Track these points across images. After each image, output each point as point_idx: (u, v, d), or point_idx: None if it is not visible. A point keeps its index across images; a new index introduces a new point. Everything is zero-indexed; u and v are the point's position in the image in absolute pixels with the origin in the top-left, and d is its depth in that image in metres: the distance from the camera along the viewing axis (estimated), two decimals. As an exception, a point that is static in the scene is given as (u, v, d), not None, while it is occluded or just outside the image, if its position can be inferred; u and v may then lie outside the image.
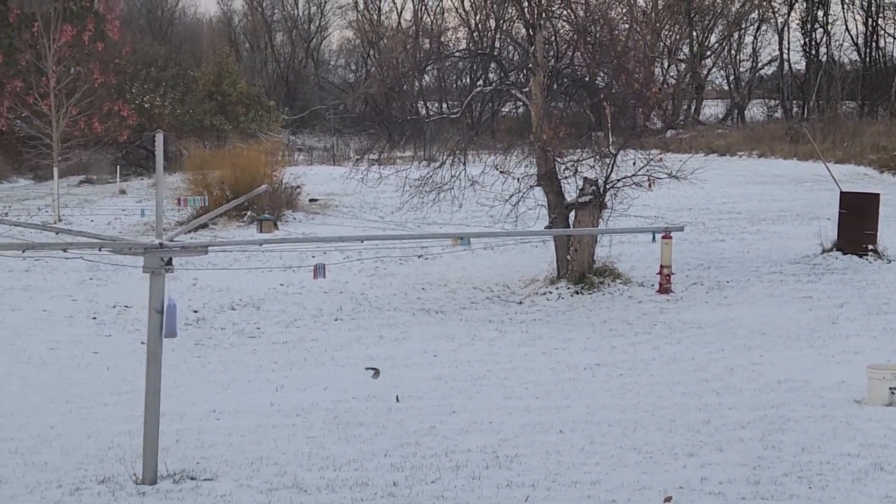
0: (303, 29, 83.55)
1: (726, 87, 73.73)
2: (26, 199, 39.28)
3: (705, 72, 71.38)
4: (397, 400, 13.87)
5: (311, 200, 35.42)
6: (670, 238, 21.67)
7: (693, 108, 69.40)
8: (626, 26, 25.48)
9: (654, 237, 11.05)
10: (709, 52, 71.56)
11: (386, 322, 20.74)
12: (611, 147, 23.62)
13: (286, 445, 11.47)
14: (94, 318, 21.31)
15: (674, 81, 58.81)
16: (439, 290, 23.76)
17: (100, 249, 10.72)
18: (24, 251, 10.46)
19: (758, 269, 23.53)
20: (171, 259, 9.88)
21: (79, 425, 13.02)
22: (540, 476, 9.73)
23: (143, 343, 14.29)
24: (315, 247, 25.09)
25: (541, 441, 11.23)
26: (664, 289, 21.88)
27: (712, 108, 73.77)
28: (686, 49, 68.66)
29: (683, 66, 66.87)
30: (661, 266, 22.06)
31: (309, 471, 10.23)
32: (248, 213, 31.42)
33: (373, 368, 14.64)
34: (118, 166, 46.99)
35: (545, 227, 23.32)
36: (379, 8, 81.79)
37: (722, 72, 73.96)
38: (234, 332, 20.23)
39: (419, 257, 26.37)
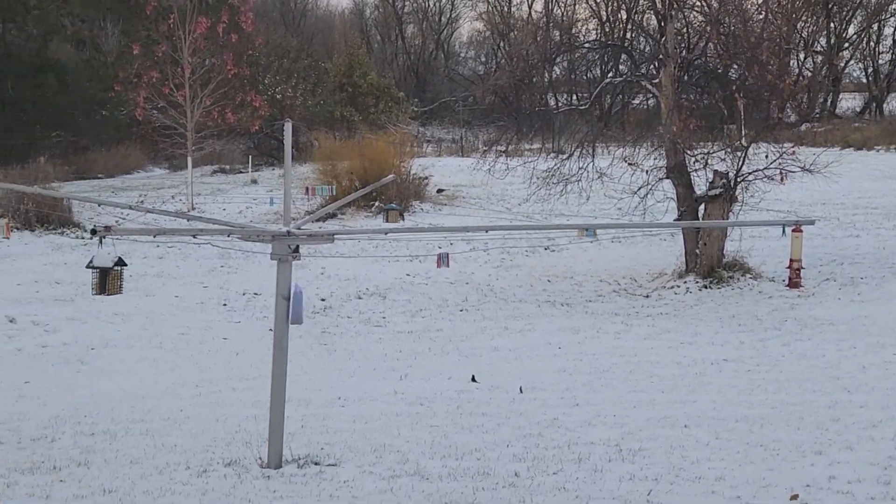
0: (433, 21, 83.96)
1: (864, 80, 71.89)
2: (161, 187, 40.21)
3: (842, 64, 69.69)
4: (521, 391, 13.84)
5: (438, 191, 35.57)
6: (801, 232, 21.23)
7: (829, 101, 67.83)
8: (761, 17, 25.01)
9: (783, 231, 10.82)
10: (847, 44, 69.86)
11: (511, 313, 20.71)
12: (742, 140, 23.21)
13: (409, 433, 11.53)
14: (225, 304, 21.70)
15: (809, 74, 57.56)
16: (565, 282, 23.65)
17: (229, 236, 10.90)
18: (154, 236, 10.70)
19: (893, 265, 22.91)
20: (297, 247, 10.01)
21: (207, 409, 13.27)
22: (663, 470, 9.62)
23: (270, 330, 14.51)
24: (442, 237, 25.21)
25: (665, 435, 11.10)
26: (794, 283, 21.45)
27: (849, 102, 72.01)
28: (823, 41, 67.14)
29: (820, 58, 65.41)
30: (791, 260, 21.62)
31: (431, 459, 10.27)
32: (377, 203, 31.68)
33: (474, 380, 14.70)
34: (250, 156, 47.84)
35: (674, 221, 23.05)
36: (509, 0, 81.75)
37: (860, 64, 72.13)
38: (361, 321, 20.41)
39: (545, 249, 26.29)
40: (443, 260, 19.52)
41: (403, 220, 30.51)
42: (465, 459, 10.24)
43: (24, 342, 18.06)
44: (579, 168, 24.00)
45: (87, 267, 10.33)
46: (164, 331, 19.22)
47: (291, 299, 10.02)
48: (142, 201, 34.08)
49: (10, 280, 23.51)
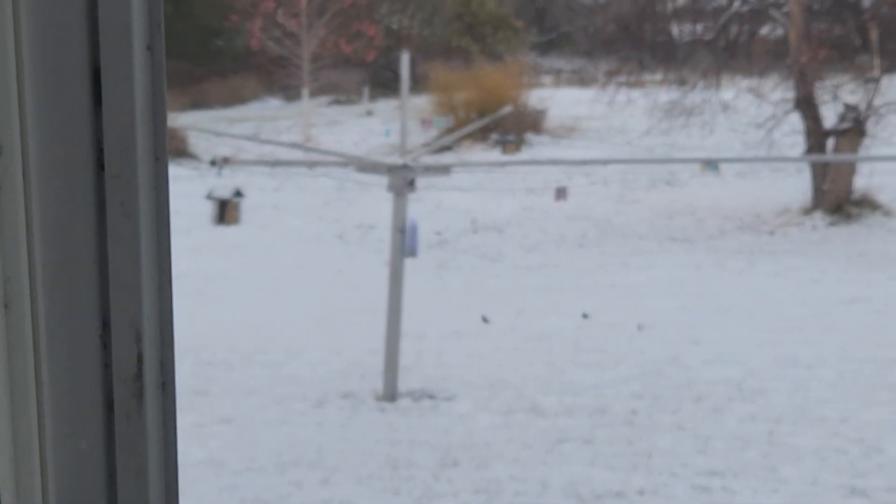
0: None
1: None
2: (276, 118, 40.43)
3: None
4: (640, 328, 13.60)
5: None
6: (936, 168, 20.48)
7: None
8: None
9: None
10: None
11: (631, 249, 20.38)
12: (875, 71, 22.38)
13: (525, 369, 11.41)
14: (340, 237, 21.74)
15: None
16: (687, 218, 23.18)
17: (345, 167, 10.84)
18: (273, 167, 10.68)
19: None
20: (413, 179, 9.88)
21: (323, 341, 13.29)
22: (785, 411, 9.37)
23: (386, 263, 14.47)
24: (560, 171, 24.87)
25: (788, 375, 10.80)
26: (927, 222, 20.75)
27: None
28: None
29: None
30: (925, 197, 20.91)
31: (547, 395, 10.14)
32: (493, 135, 31.41)
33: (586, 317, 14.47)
34: (366, 87, 47.77)
35: (801, 155, 22.42)
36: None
37: None
38: (477, 256, 20.27)
39: (667, 184, 25.82)
40: (561, 194, 19.24)
41: (521, 151, 30.22)
42: (581, 396, 10.09)
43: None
44: (703, 100, 23.43)
45: (207, 198, 10.37)
46: (280, 262, 19.31)
47: (406, 232, 9.94)
48: (258, 133, 34.28)
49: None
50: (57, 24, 0.90)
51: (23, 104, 0.90)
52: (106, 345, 0.95)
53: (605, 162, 10.20)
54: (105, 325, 0.95)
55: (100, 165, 0.93)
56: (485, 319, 14.49)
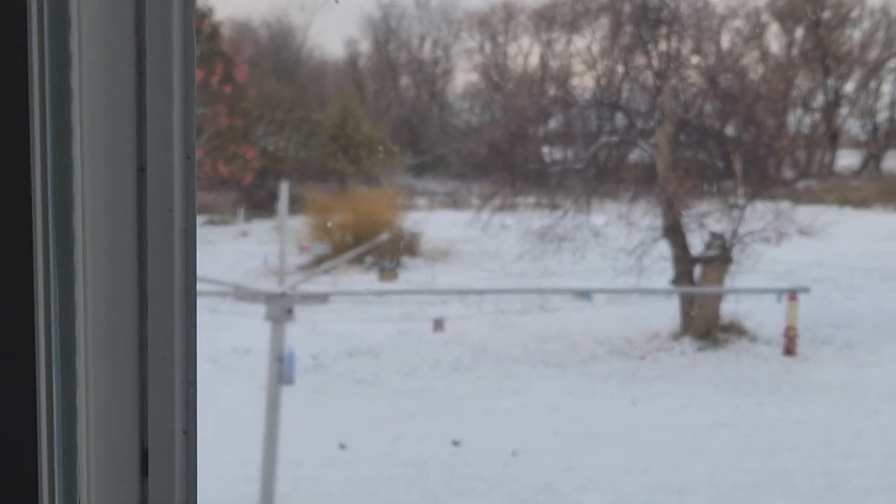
0: (428, 72, 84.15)
1: (862, 138, 71.99)
2: (155, 238, 40.04)
3: (840, 121, 69.93)
4: (514, 455, 13.70)
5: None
6: (796, 299, 21.13)
7: (827, 158, 67.93)
8: (759, 74, 25.09)
9: (778, 298, 10.78)
10: (844, 101, 70.01)
11: (505, 374, 20.56)
12: (739, 199, 23.20)
13: (403, 497, 11.40)
14: (215, 361, 21.51)
15: (807, 132, 57.75)
16: (560, 342, 23.49)
17: (224, 296, 10.84)
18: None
19: (890, 329, 22.81)
20: (292, 308, 9.93)
21: (198, 468, 13.08)
22: (659, 541, 9.51)
23: (262, 388, 14.37)
24: (435, 295, 25.05)
25: (659, 502, 10.98)
26: (789, 350, 21.33)
27: (847, 159, 72.19)
28: (820, 97, 67.32)
29: (817, 115, 65.61)
30: (787, 327, 21.51)
31: (424, 525, 10.15)
32: (369, 258, 31.57)
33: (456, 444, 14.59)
34: (241, 208, 47.70)
35: (669, 281, 22.98)
36: (505, 52, 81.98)
37: (858, 121, 72.17)
38: (353, 380, 20.22)
39: (540, 308, 26.16)
40: (438, 325, 19.43)
41: (397, 277, 30.40)
42: (458, 526, 10.13)
43: None
44: (574, 226, 23.94)
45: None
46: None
47: (284, 360, 9.95)
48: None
49: None
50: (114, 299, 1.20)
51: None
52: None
53: (482, 291, 10.43)
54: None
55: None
56: (342, 446, 14.46)
